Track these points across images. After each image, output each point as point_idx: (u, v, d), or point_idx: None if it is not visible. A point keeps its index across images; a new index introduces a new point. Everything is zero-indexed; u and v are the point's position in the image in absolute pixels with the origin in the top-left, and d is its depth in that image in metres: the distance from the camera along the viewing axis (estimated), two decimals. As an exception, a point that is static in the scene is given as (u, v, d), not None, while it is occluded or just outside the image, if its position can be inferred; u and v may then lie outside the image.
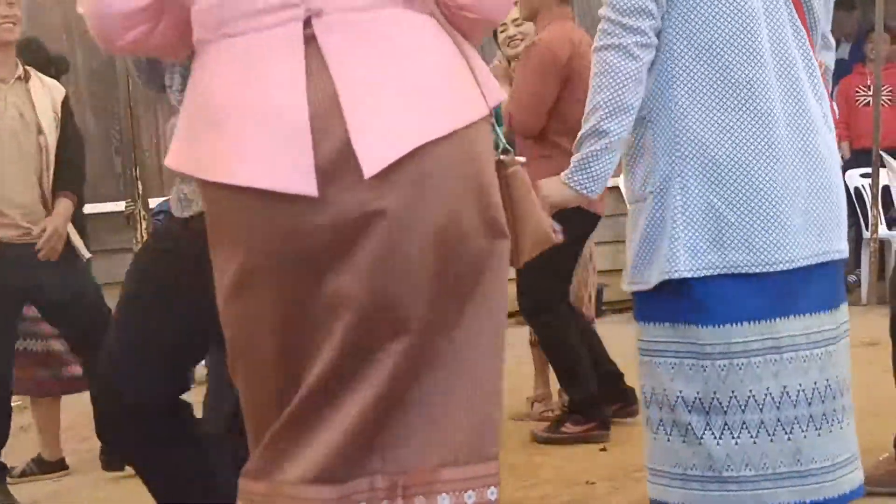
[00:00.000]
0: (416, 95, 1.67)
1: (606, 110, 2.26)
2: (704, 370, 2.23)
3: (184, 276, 2.25)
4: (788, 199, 2.26)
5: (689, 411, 2.25)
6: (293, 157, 1.60)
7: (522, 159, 2.17)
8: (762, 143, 2.25)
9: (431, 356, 1.72)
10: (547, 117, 4.40)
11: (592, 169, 2.31)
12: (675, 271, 2.26)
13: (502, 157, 1.90)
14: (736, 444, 2.22)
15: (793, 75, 2.32)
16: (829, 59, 2.56)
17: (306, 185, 1.60)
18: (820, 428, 2.26)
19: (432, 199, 1.64)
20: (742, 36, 2.26)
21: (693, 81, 2.27)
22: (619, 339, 4.67)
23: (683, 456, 2.26)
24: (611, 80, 2.25)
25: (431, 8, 1.74)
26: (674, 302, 2.29)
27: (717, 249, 2.24)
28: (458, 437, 1.74)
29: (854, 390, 3.61)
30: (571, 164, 2.34)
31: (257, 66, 1.66)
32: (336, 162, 1.61)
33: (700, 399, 2.23)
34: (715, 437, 2.22)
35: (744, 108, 2.25)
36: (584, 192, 2.33)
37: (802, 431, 2.25)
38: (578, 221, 4.01)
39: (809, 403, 2.26)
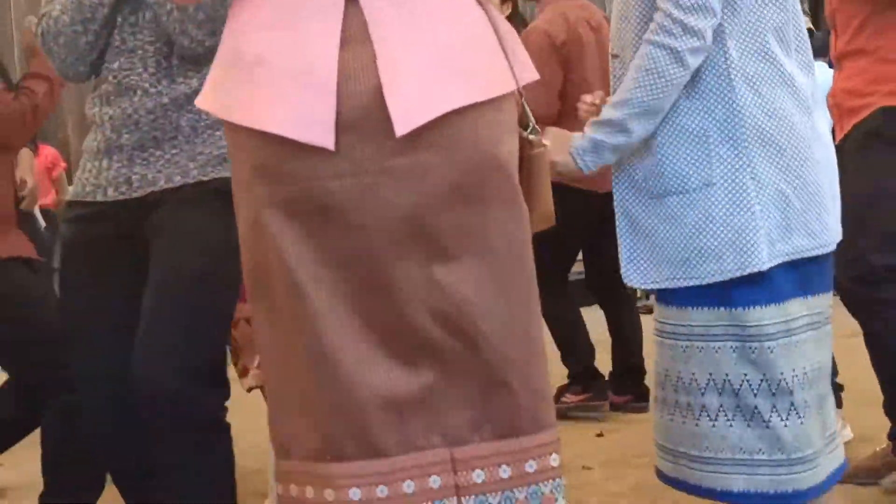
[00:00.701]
0: (448, 64, 1.70)
1: (638, 110, 2.23)
2: (771, 352, 2.22)
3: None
4: (827, 182, 2.29)
5: (755, 395, 2.24)
6: (318, 112, 1.64)
7: (548, 142, 2.16)
8: (809, 128, 2.26)
9: (455, 310, 1.73)
10: (560, 102, 4.42)
11: (604, 157, 2.29)
12: (756, 264, 2.22)
13: (531, 136, 1.93)
14: (801, 423, 2.23)
15: (808, 58, 2.35)
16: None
17: (325, 137, 1.63)
18: (829, 400, 2.34)
19: (451, 163, 1.68)
20: (776, 23, 2.26)
21: (746, 70, 2.24)
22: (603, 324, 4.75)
23: (746, 440, 2.24)
24: (653, 82, 2.21)
25: None
26: (728, 287, 2.25)
27: (785, 237, 2.24)
28: (512, 403, 1.74)
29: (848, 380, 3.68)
30: (586, 139, 2.30)
31: (296, 22, 1.69)
32: (365, 117, 1.65)
33: (765, 380, 2.23)
34: (782, 419, 2.22)
35: (789, 95, 2.26)
36: (586, 170, 2.32)
37: (825, 405, 2.31)
38: (572, 200, 4.02)
39: (819, 379, 2.30)
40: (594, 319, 4.94)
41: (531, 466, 1.75)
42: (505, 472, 1.73)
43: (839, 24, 3.26)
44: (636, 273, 2.37)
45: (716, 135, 2.24)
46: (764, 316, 2.22)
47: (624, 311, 4.89)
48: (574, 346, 4.62)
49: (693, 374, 2.28)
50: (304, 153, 1.65)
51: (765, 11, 2.26)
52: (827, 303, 2.34)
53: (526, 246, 1.79)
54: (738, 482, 2.25)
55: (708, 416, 2.26)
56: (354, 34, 1.67)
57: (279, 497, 1.81)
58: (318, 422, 1.72)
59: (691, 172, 2.25)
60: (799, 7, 2.37)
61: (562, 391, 4.63)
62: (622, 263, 2.41)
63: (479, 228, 1.73)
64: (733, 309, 2.24)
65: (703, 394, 2.27)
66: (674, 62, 2.18)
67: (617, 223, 2.41)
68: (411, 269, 1.70)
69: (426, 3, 1.72)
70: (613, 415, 4.61)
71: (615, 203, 2.42)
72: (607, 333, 4.91)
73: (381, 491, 1.70)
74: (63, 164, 7.81)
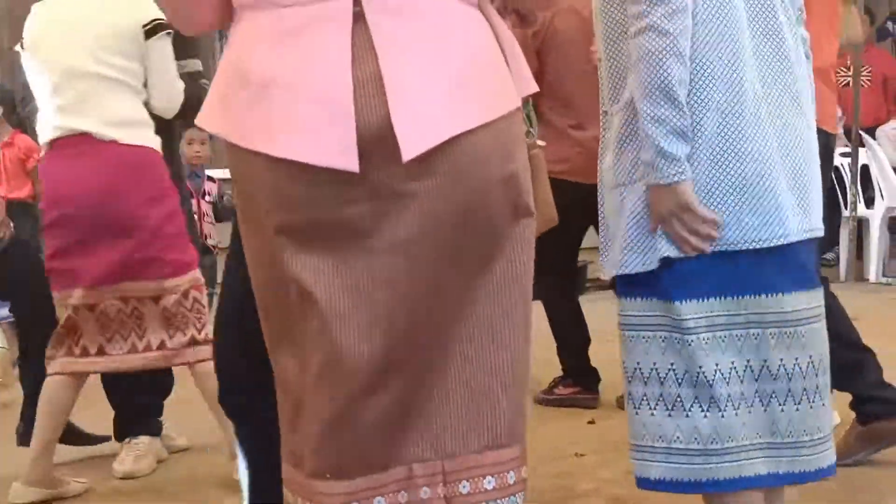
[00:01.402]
0: (456, 84, 1.66)
1: (650, 98, 2.12)
2: (690, 344, 2.18)
3: None
4: (774, 178, 2.20)
5: (679, 385, 2.21)
6: (337, 134, 1.60)
7: (542, 143, 2.16)
8: (751, 126, 2.17)
9: (456, 327, 1.73)
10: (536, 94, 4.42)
11: (670, 154, 2.13)
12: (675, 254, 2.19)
13: (527, 139, 1.91)
14: (722, 416, 2.18)
15: (779, 49, 2.27)
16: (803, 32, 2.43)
17: (348, 160, 1.60)
18: (798, 403, 2.24)
19: (462, 185, 1.66)
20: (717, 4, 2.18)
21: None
22: (606, 315, 4.73)
23: (668, 430, 2.23)
24: (647, 64, 2.12)
25: (482, 3, 1.74)
26: (659, 278, 2.22)
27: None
28: (496, 420, 1.76)
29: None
30: (647, 165, 2.17)
31: (304, 40, 1.65)
32: (374, 140, 1.61)
33: (687, 373, 2.19)
34: (702, 410, 2.19)
35: (733, 93, 2.17)
36: (670, 180, 2.14)
37: (780, 405, 2.23)
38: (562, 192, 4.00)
39: (790, 378, 2.23)
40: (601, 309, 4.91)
41: (511, 478, 1.78)
42: (490, 483, 1.76)
43: None
44: (604, 261, 2.36)
45: None
46: (688, 310, 2.18)
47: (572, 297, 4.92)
48: (569, 342, 4.66)
49: (626, 361, 2.28)
50: (323, 179, 1.62)
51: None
52: (780, 305, 2.24)
53: (530, 258, 1.79)
54: (655, 470, 2.25)
55: (633, 404, 2.27)
56: (361, 53, 1.63)
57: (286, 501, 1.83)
58: (323, 441, 1.72)
59: (632, 166, 2.23)
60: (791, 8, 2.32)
61: (556, 383, 4.68)
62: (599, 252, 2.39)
63: (488, 247, 1.73)
64: (663, 300, 2.21)
65: (629, 382, 2.27)
66: (653, 36, 2.10)
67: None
68: (421, 291, 1.69)
69: (433, 20, 1.68)
70: (607, 403, 4.62)
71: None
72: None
73: (379, 502, 1.73)
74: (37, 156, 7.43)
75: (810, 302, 2.28)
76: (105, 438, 4.33)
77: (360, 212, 1.65)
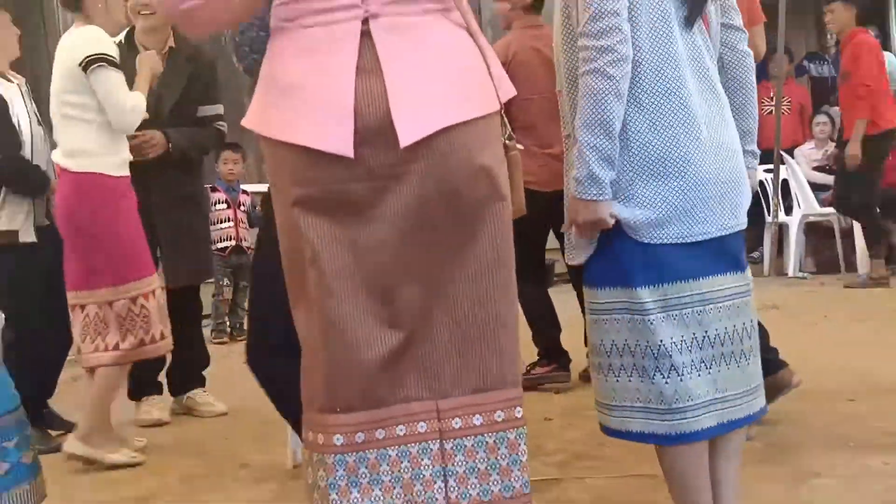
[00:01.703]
0: (444, 88, 1.71)
1: (588, 128, 2.11)
2: (651, 323, 2.19)
3: None
4: (711, 184, 2.21)
5: (644, 357, 2.21)
6: (339, 128, 1.66)
7: (521, 147, 2.14)
8: (692, 142, 2.18)
9: (451, 290, 1.75)
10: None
11: (597, 178, 2.12)
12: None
13: (507, 141, 1.92)
14: (681, 380, 2.19)
15: (709, 82, 2.26)
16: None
17: (346, 148, 1.66)
18: (730, 364, 2.26)
19: (445, 168, 1.69)
20: (664, 53, 2.18)
21: (635, 91, 2.16)
22: (566, 305, 4.73)
23: (640, 393, 2.23)
24: (590, 101, 2.11)
25: (467, 17, 1.78)
26: (620, 267, 2.22)
27: (661, 225, 2.18)
28: (482, 366, 1.75)
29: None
30: (576, 181, 2.15)
31: (320, 54, 1.70)
32: (377, 131, 1.66)
33: (648, 347, 2.20)
34: (663, 377, 2.19)
35: (675, 114, 2.17)
36: (601, 198, 2.13)
37: (718, 367, 2.24)
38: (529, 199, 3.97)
39: (724, 343, 2.25)
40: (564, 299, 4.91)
41: (499, 416, 1.77)
42: (478, 420, 1.75)
43: None
44: (571, 252, 2.35)
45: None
46: (645, 295, 2.19)
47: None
48: (542, 328, 4.58)
49: (602, 340, 2.27)
50: (330, 162, 1.68)
51: (649, 45, 2.18)
52: (722, 284, 2.27)
53: (507, 236, 1.80)
54: (635, 424, 2.24)
55: (614, 373, 2.25)
56: (368, 64, 1.68)
57: (304, 441, 1.85)
58: (331, 382, 1.74)
59: None
60: (712, 49, 2.33)
61: (533, 364, 4.59)
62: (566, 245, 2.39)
63: (470, 219, 1.74)
64: (626, 288, 2.21)
65: (609, 355, 2.26)
66: (598, 78, 2.09)
67: None
68: (415, 253, 1.72)
69: (427, 36, 1.73)
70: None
71: None
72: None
73: (380, 433, 1.74)
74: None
75: (739, 282, 2.30)
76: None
77: (360, 188, 1.70)
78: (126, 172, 3.65)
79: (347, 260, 1.72)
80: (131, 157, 3.71)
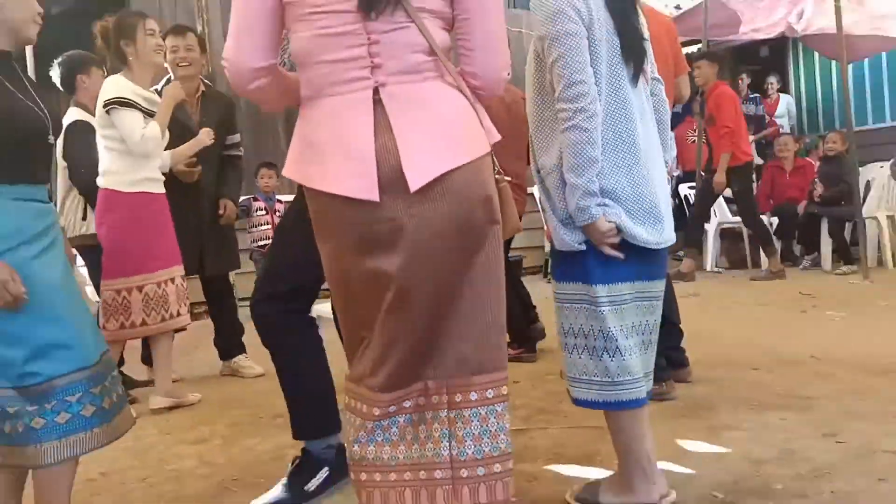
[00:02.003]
0: (444, 139, 1.69)
1: (574, 171, 2.13)
2: (602, 313, 2.20)
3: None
4: (660, 206, 2.23)
5: (595, 339, 2.22)
6: (365, 178, 1.66)
7: (509, 178, 2.17)
8: (642, 172, 2.20)
9: (457, 298, 1.75)
10: None
11: (586, 207, 2.14)
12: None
13: (497, 176, 1.92)
14: (623, 360, 2.20)
15: (649, 124, 2.29)
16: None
17: (372, 194, 1.66)
18: (650, 349, 2.30)
19: (450, 203, 1.68)
20: (618, 105, 2.20)
21: (613, 127, 2.18)
22: (535, 292, 4.75)
23: (590, 368, 2.24)
24: (572, 152, 2.13)
25: (458, 83, 1.76)
26: (584, 269, 2.23)
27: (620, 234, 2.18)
28: (479, 355, 1.77)
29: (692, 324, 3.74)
30: (574, 213, 2.16)
31: (343, 117, 1.70)
32: (392, 181, 1.66)
33: (601, 331, 2.21)
34: (610, 356, 2.21)
35: (628, 154, 2.19)
36: (593, 220, 2.14)
37: (646, 351, 2.28)
38: None
39: (651, 333, 2.29)
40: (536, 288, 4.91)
41: (490, 393, 1.78)
42: (473, 395, 1.77)
43: None
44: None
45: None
46: (601, 291, 2.20)
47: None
48: (513, 315, 4.54)
49: (562, 323, 2.28)
50: (360, 207, 1.68)
51: (609, 96, 2.19)
52: (655, 287, 2.30)
53: (500, 251, 1.81)
54: (591, 395, 2.25)
55: (572, 351, 2.27)
56: (381, 124, 1.67)
57: (346, 405, 1.88)
58: (375, 369, 1.78)
59: (559, 200, 2.25)
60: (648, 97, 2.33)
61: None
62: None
63: (474, 242, 1.74)
64: (585, 284, 2.22)
65: (567, 336, 2.27)
66: (576, 132, 2.11)
67: None
68: (433, 271, 1.71)
69: (427, 98, 1.72)
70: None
71: None
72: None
73: (407, 404, 1.79)
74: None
75: (661, 286, 2.34)
76: (146, 383, 4.34)
77: (385, 228, 1.69)
78: (143, 189, 3.72)
79: (379, 285, 1.73)
80: (156, 176, 3.79)
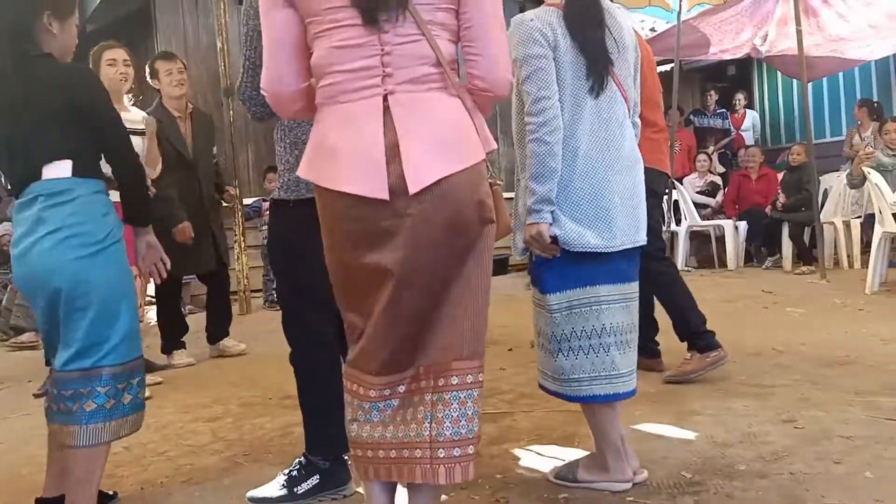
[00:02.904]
0: (443, 146, 1.68)
1: (535, 179, 2.15)
2: (555, 319, 2.22)
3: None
4: (614, 213, 2.20)
5: (550, 341, 2.24)
6: (376, 178, 1.65)
7: (501, 182, 2.17)
8: (604, 181, 2.20)
9: (449, 290, 1.73)
10: None
11: (538, 210, 2.17)
12: (516, 253, 2.31)
13: (490, 180, 1.88)
14: (576, 358, 2.21)
15: (616, 136, 2.24)
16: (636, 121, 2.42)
17: (383, 193, 1.65)
18: (621, 350, 2.24)
19: (445, 205, 1.67)
20: (576, 117, 2.20)
21: (567, 139, 2.18)
22: (517, 287, 4.76)
23: (549, 366, 2.27)
24: (534, 162, 2.16)
25: (459, 92, 1.73)
26: (540, 279, 2.26)
27: (581, 238, 2.18)
28: (462, 343, 1.75)
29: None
30: (527, 213, 2.20)
31: (355, 123, 1.69)
32: (397, 183, 1.65)
33: (553, 334, 2.23)
34: (565, 356, 2.22)
35: (590, 158, 2.19)
36: (540, 221, 2.17)
37: (615, 351, 2.23)
38: None
39: (620, 334, 2.24)
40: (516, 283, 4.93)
41: (470, 378, 1.76)
42: (455, 380, 1.75)
43: None
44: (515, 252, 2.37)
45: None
46: (552, 299, 2.22)
47: None
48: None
49: (534, 323, 2.32)
50: (369, 204, 1.67)
51: (573, 109, 2.20)
52: (618, 289, 2.25)
53: (491, 249, 1.79)
54: (551, 387, 2.29)
55: (538, 347, 2.33)
56: (389, 129, 1.67)
57: (345, 387, 1.86)
58: (371, 354, 1.77)
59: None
60: (625, 105, 2.29)
61: None
62: None
63: (468, 240, 1.72)
64: (541, 293, 2.25)
65: (537, 335, 2.32)
66: (538, 145, 2.15)
67: None
68: (428, 265, 1.70)
69: (431, 108, 1.70)
70: (525, 341, 4.53)
71: None
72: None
73: (401, 388, 1.78)
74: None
75: (626, 290, 2.28)
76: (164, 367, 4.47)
77: (388, 223, 1.68)
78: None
79: (379, 274, 1.71)
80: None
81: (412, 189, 1.64)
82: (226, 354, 4.71)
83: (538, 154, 2.16)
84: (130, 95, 4.14)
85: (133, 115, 3.86)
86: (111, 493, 2.43)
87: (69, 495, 2.13)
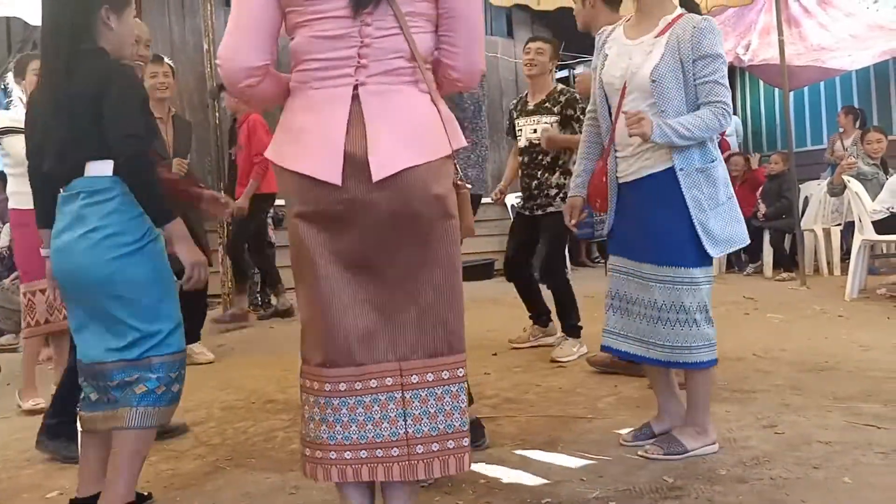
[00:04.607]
0: (409, 139, 1.69)
1: (685, 133, 2.39)
2: (706, 288, 2.50)
3: None
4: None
5: (700, 311, 2.49)
6: (332, 162, 1.66)
7: (469, 186, 2.17)
8: None
9: (412, 285, 1.73)
10: None
11: (668, 135, 2.40)
12: None
13: (458, 181, 1.91)
14: (712, 326, 2.52)
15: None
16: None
17: (336, 178, 1.66)
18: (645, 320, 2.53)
19: (406, 196, 1.68)
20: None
21: None
22: (503, 290, 4.73)
23: (703, 336, 2.50)
24: (700, 123, 2.41)
25: (430, 89, 1.75)
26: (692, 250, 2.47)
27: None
28: (432, 339, 1.74)
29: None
30: (669, 128, 2.39)
31: (323, 109, 1.70)
32: (358, 168, 1.66)
33: (707, 304, 2.50)
34: (708, 324, 2.51)
35: None
36: (658, 138, 2.39)
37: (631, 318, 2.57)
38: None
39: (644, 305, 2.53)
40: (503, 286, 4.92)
41: (446, 374, 1.75)
42: (430, 377, 1.74)
43: None
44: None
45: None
46: (703, 272, 2.50)
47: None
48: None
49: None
50: (324, 187, 1.67)
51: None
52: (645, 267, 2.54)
53: (455, 244, 1.77)
54: (691, 359, 2.51)
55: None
56: (355, 118, 1.67)
57: (301, 386, 1.83)
58: (322, 344, 1.74)
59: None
60: None
61: None
62: None
63: (426, 232, 1.72)
64: (689, 266, 2.48)
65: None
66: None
67: None
68: (385, 253, 1.71)
69: (400, 101, 1.71)
70: (506, 343, 4.54)
71: None
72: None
73: (358, 385, 1.74)
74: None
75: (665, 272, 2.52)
76: None
77: (343, 207, 1.69)
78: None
79: (333, 258, 1.71)
80: None
81: (376, 177, 1.65)
82: (192, 362, 4.50)
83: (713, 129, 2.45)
84: None
85: None
86: (146, 493, 2.42)
87: (109, 483, 2.13)
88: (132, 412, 2.13)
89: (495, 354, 4.32)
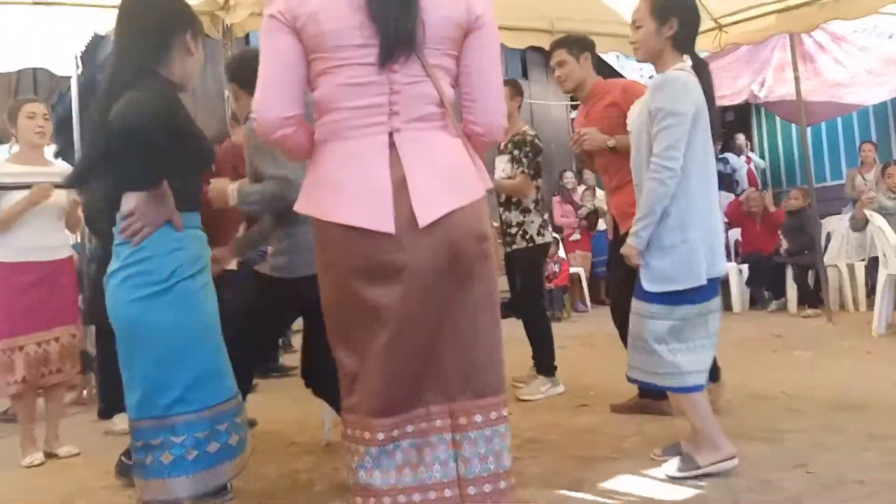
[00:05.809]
0: (448, 182, 1.70)
1: (644, 218, 2.61)
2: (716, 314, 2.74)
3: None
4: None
5: (708, 337, 2.72)
6: (383, 212, 1.65)
7: (496, 225, 2.19)
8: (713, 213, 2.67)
9: (455, 326, 1.71)
10: None
11: (641, 238, 2.65)
12: None
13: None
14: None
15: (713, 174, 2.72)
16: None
17: (389, 226, 1.65)
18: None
19: (450, 239, 1.68)
20: (704, 154, 2.65)
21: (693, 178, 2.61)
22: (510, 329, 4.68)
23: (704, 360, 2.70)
24: (649, 199, 2.59)
25: (459, 132, 1.76)
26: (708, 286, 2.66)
27: None
28: (478, 379, 1.73)
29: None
30: (636, 234, 2.64)
31: (361, 158, 1.69)
32: (404, 217, 1.66)
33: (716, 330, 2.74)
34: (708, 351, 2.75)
35: (706, 194, 2.64)
36: (639, 247, 2.65)
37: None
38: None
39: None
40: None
41: (493, 415, 1.74)
42: (478, 418, 1.73)
43: (610, 170, 3.54)
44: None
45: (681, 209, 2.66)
46: (715, 303, 2.73)
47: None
48: None
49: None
50: (374, 237, 1.66)
51: (697, 153, 2.63)
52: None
53: (494, 284, 1.78)
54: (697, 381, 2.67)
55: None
56: (394, 164, 1.68)
57: (345, 435, 1.79)
58: (372, 395, 1.71)
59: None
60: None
61: None
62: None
63: (468, 273, 1.72)
64: (705, 300, 2.69)
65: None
66: (659, 185, 2.58)
67: None
68: (430, 298, 1.69)
69: (434, 145, 1.72)
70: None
71: None
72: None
73: (409, 428, 1.73)
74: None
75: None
76: None
77: (395, 257, 1.67)
78: (12, 258, 3.56)
79: (379, 308, 1.68)
80: (24, 245, 3.59)
81: (422, 222, 1.66)
82: None
83: (653, 191, 2.61)
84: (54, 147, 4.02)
85: (55, 169, 3.75)
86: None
87: None
88: (151, 484, 1.96)
89: (518, 397, 4.25)
